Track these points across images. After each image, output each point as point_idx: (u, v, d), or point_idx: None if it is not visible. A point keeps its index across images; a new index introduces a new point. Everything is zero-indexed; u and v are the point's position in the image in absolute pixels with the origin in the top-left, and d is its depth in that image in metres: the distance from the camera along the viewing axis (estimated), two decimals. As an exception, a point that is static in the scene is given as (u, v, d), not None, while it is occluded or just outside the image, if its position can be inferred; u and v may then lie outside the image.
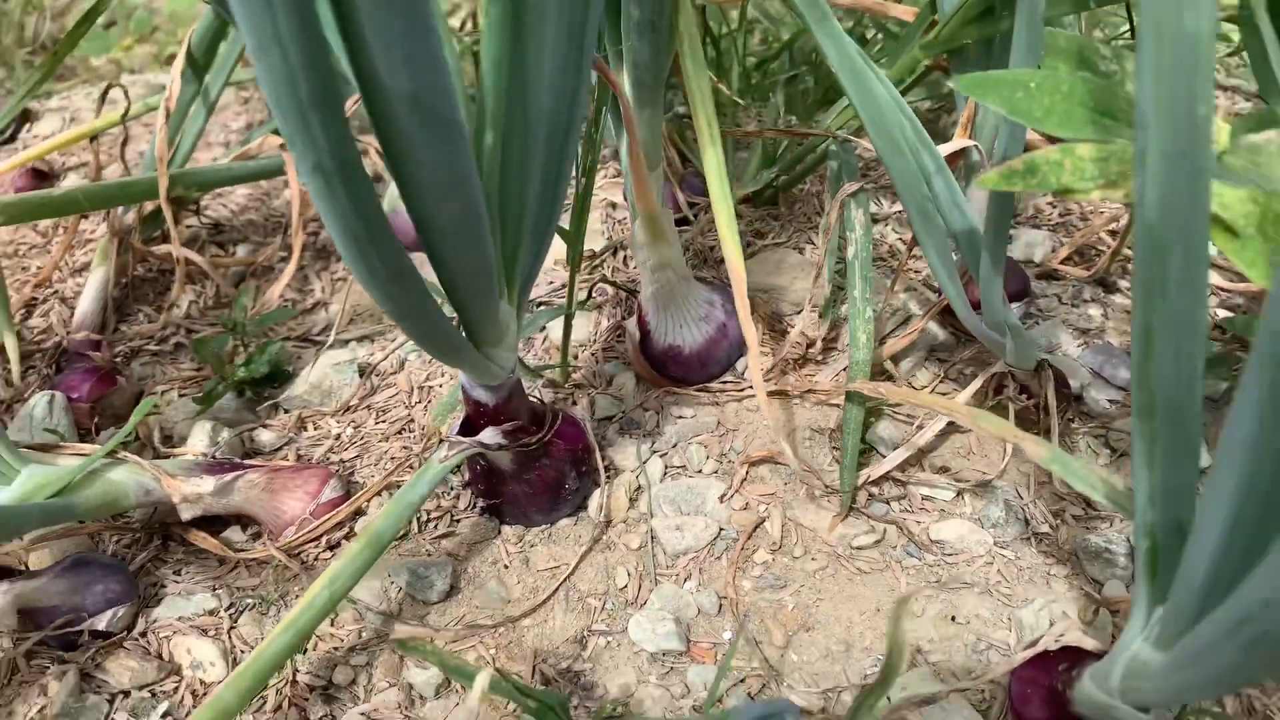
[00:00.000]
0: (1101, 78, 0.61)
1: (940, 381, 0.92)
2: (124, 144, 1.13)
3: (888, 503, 0.82)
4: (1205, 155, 0.41)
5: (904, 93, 0.94)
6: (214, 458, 0.80)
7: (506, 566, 0.78)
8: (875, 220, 1.12)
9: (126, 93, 1.11)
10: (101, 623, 0.70)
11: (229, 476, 0.74)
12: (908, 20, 0.92)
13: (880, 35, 1.21)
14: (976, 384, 0.83)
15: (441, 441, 0.71)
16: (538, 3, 0.49)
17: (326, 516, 0.78)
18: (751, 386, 0.91)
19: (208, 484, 0.73)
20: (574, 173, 0.78)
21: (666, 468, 0.86)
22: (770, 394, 0.91)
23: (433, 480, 0.69)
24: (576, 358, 0.97)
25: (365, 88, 0.43)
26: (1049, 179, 0.53)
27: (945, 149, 0.77)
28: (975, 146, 0.77)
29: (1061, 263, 1.05)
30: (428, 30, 0.41)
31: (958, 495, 0.82)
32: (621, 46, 0.74)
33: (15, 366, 0.91)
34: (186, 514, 0.73)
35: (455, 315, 0.62)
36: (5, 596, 0.68)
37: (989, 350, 0.87)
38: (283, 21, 0.37)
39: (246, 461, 0.79)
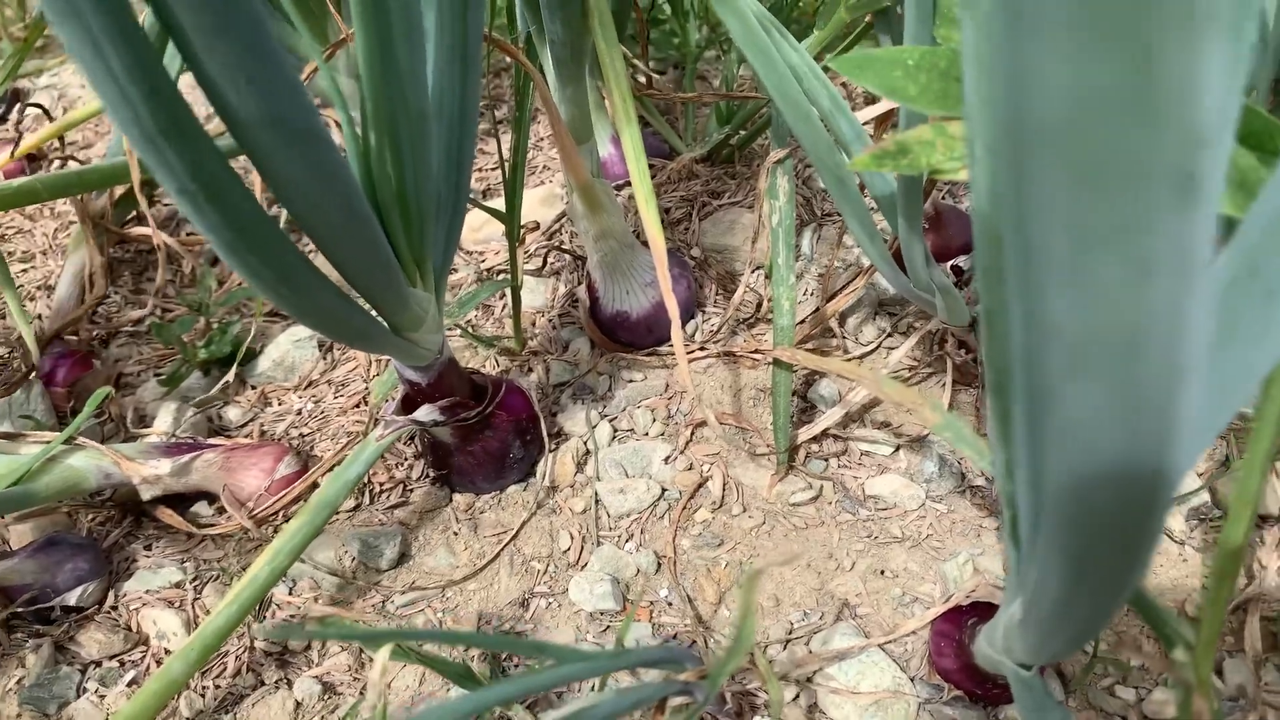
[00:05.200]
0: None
1: (887, 336, 0.94)
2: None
3: (827, 459, 0.84)
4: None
5: (849, 47, 0.94)
6: (175, 438, 0.84)
7: (456, 533, 0.81)
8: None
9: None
10: (72, 598, 0.75)
11: (186, 457, 0.78)
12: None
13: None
14: (910, 342, 0.84)
15: (378, 421, 0.74)
16: (400, 4, 0.51)
17: (283, 492, 0.81)
18: (699, 349, 0.93)
19: (164, 466, 0.77)
20: (501, 152, 0.80)
21: (615, 431, 0.88)
22: (718, 355, 0.93)
23: (369, 459, 0.72)
24: (534, 325, 1.00)
25: (219, 111, 0.45)
26: (919, 159, 0.54)
27: (868, 113, 0.78)
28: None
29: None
30: (268, 52, 0.43)
31: (896, 450, 0.84)
32: (541, 26, 0.75)
33: (33, 349, 0.94)
34: (146, 494, 0.77)
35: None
36: (-20, 576, 0.73)
37: (936, 306, 0.88)
38: (113, 59, 0.39)
39: (206, 441, 0.83)
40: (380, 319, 0.65)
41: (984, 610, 0.68)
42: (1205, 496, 0.77)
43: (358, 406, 0.91)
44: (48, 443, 0.74)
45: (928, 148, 0.54)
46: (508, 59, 1.42)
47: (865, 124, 0.77)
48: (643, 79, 1.05)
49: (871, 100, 1.11)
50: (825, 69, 0.77)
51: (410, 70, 0.53)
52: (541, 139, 1.27)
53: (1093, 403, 0.22)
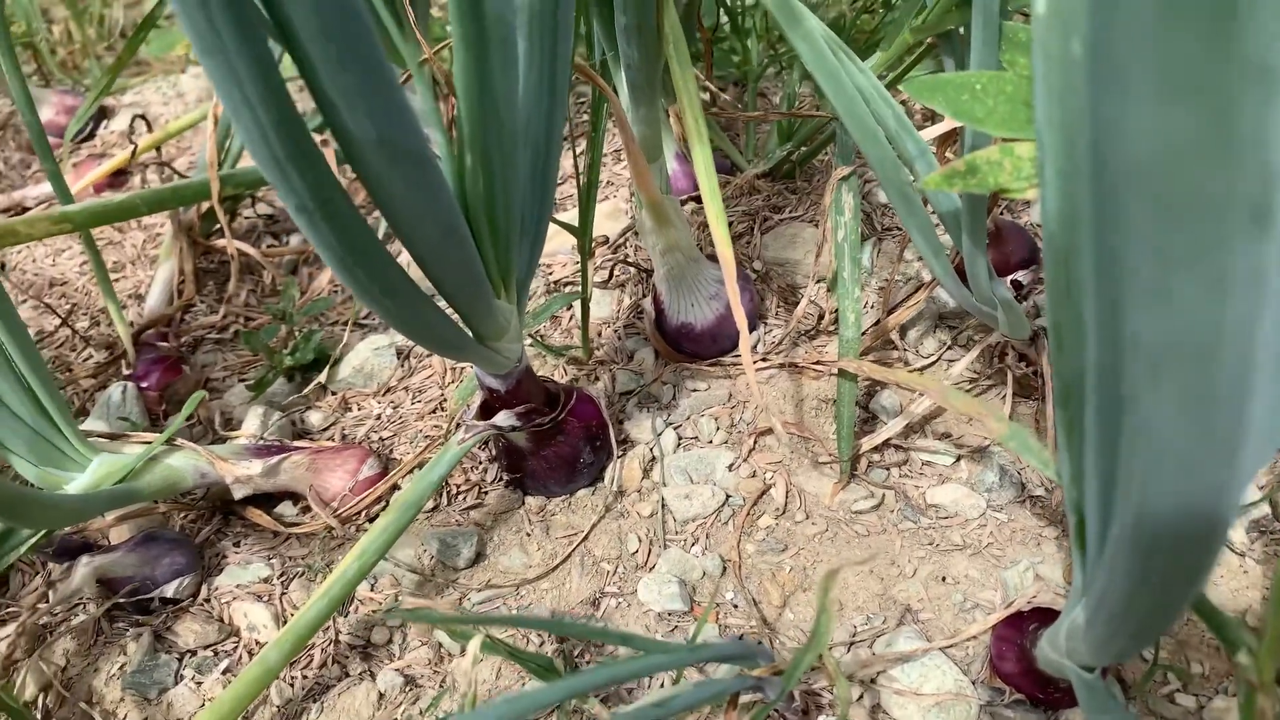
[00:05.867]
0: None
1: (947, 349, 0.95)
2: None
3: (889, 469, 0.86)
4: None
5: (910, 67, 0.96)
6: (263, 440, 0.89)
7: (529, 535, 0.85)
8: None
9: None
10: (169, 590, 0.79)
11: (275, 459, 0.83)
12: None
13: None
14: (972, 355, 0.86)
15: (460, 425, 0.78)
16: (499, 37, 0.54)
17: (366, 493, 0.85)
18: (761, 360, 0.95)
19: (256, 466, 0.82)
20: (577, 169, 0.84)
21: (680, 439, 0.91)
22: (781, 366, 0.95)
23: (450, 462, 0.76)
24: (600, 335, 1.03)
25: (335, 134, 0.48)
26: (988, 179, 0.56)
27: (931, 132, 0.80)
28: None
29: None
30: (385, 81, 0.47)
31: (956, 460, 0.86)
32: (616, 50, 0.79)
33: (130, 352, 1.00)
34: (238, 493, 0.82)
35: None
36: (87, 568, 0.77)
37: (995, 318, 0.90)
38: (249, 89, 0.43)
39: (294, 443, 0.87)
40: (466, 329, 0.69)
41: (1045, 615, 0.69)
42: (1266, 509, 0.78)
43: (434, 412, 0.95)
44: (148, 443, 0.79)
45: (995, 168, 0.56)
46: (574, 79, 1.46)
47: (929, 143, 0.80)
48: (707, 98, 1.08)
49: (930, 119, 1.13)
50: (889, 88, 0.79)
51: (505, 96, 0.57)
52: (605, 155, 1.31)
53: (1169, 408, 0.24)
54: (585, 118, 1.39)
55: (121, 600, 0.78)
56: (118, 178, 1.38)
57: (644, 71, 0.78)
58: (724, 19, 1.24)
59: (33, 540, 0.69)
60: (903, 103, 1.25)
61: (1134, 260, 0.21)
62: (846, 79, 0.70)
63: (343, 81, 0.45)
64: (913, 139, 0.76)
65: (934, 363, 0.94)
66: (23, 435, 0.71)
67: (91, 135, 1.56)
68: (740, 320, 0.75)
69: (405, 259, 0.65)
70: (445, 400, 0.97)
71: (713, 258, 0.99)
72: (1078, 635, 0.56)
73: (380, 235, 0.78)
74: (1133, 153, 0.19)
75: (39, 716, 0.74)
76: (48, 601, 0.80)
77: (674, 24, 0.75)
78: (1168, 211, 0.20)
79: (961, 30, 0.83)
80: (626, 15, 0.74)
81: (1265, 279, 0.20)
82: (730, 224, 1.12)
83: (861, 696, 0.70)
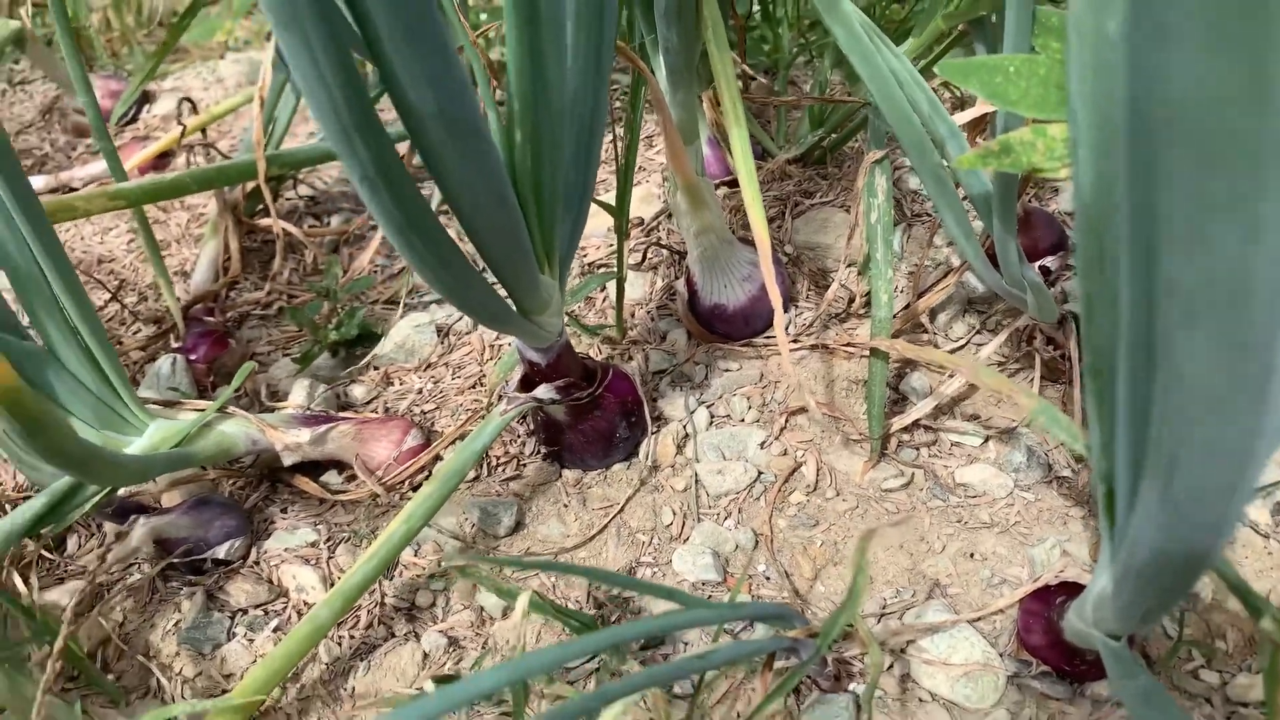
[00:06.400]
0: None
1: (976, 333, 0.97)
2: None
3: (918, 449, 0.88)
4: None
5: (943, 52, 0.97)
6: (310, 411, 0.91)
7: (566, 505, 0.87)
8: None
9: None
10: (221, 552, 0.82)
11: (323, 428, 0.85)
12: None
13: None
14: (1000, 339, 0.88)
15: (501, 397, 0.80)
16: (551, 18, 0.56)
17: (409, 462, 0.88)
18: (793, 341, 0.97)
19: (304, 434, 0.84)
20: (617, 152, 0.86)
21: (712, 417, 0.93)
22: (812, 347, 0.97)
23: (493, 432, 0.78)
24: (634, 315, 1.05)
25: (399, 107, 0.51)
26: (1021, 159, 0.58)
27: (962, 117, 0.81)
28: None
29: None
30: (447, 58, 0.49)
31: (985, 441, 0.88)
32: (655, 34, 0.81)
33: (180, 325, 1.04)
34: (287, 460, 0.85)
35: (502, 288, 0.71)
36: (144, 527, 0.80)
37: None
38: (325, 68, 0.45)
39: (339, 414, 0.90)
40: (511, 302, 0.71)
41: (1072, 589, 0.71)
42: (1291, 490, 0.79)
43: (474, 387, 0.98)
44: (202, 410, 0.82)
45: (1029, 148, 0.58)
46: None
47: (960, 128, 0.81)
48: (741, 84, 1.10)
49: (960, 106, 1.15)
50: (922, 73, 0.81)
51: (555, 75, 0.59)
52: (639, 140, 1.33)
53: (1203, 351, 0.26)
54: (619, 104, 1.41)
55: (175, 560, 0.81)
56: (161, 160, 1.42)
57: (683, 55, 0.80)
58: (755, 7, 1.26)
59: (96, 499, 0.72)
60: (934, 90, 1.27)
61: (1173, 207, 0.23)
62: (881, 62, 0.72)
63: (407, 55, 0.48)
64: (945, 123, 0.77)
65: (963, 346, 0.96)
66: (85, 399, 0.74)
67: (134, 119, 1.60)
68: (775, 300, 0.77)
69: (454, 232, 0.68)
70: (484, 376, 0.99)
71: (745, 241, 1.01)
72: (1105, 604, 0.58)
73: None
74: (1172, 98, 0.21)
75: (99, 667, 0.77)
76: (105, 561, 0.83)
77: (712, 8, 0.77)
78: (1205, 158, 0.21)
79: (994, 18, 0.85)
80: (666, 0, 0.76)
81: (1295, 222, 0.22)
82: (763, 209, 1.14)
83: (891, 665, 0.72)
